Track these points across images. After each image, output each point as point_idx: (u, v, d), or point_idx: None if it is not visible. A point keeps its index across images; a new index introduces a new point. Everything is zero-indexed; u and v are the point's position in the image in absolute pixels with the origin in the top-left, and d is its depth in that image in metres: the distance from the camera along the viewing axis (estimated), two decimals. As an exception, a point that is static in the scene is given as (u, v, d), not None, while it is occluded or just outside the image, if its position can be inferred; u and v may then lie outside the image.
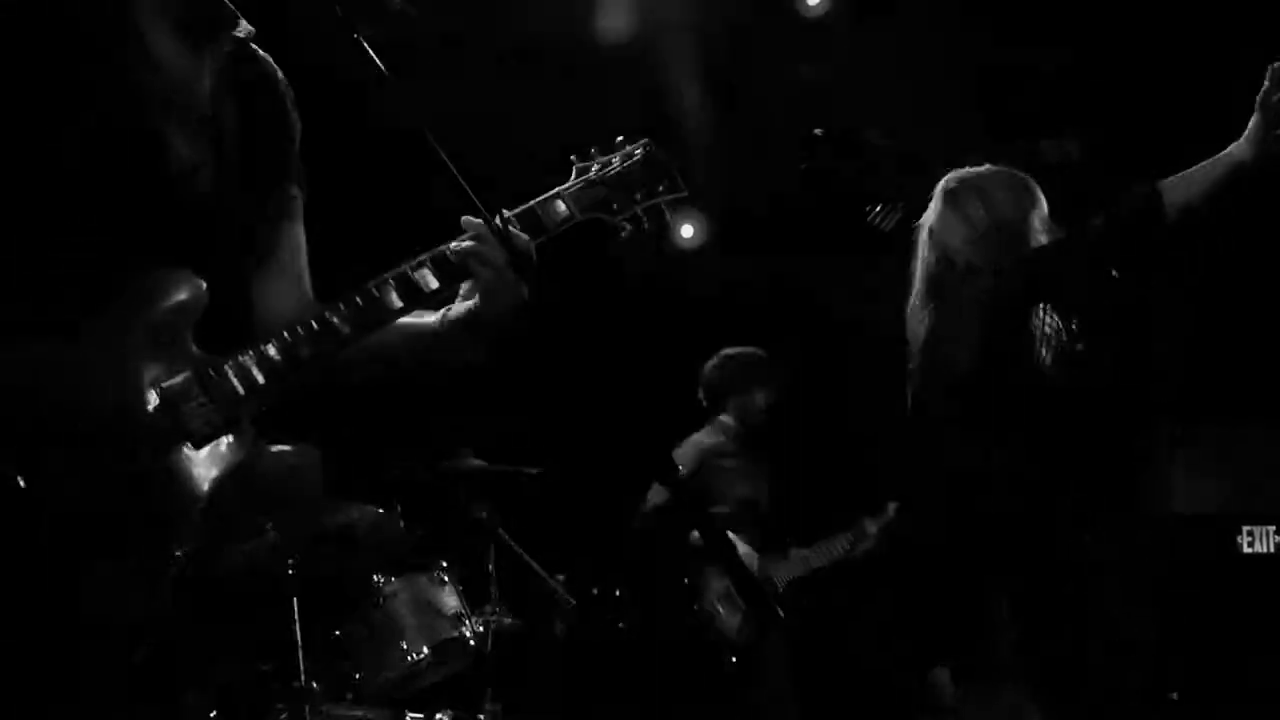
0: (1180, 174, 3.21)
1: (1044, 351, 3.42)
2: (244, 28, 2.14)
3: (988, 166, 3.75)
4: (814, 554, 5.84)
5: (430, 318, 2.18)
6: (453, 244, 2.12)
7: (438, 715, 4.30)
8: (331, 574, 4.68)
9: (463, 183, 2.00)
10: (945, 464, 3.43)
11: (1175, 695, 5.42)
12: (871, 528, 5.86)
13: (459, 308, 2.17)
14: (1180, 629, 5.55)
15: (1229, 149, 3.18)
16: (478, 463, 4.94)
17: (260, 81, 2.20)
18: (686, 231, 7.84)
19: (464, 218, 2.09)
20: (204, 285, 1.93)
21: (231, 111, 2.09)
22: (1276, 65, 3.10)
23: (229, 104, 2.09)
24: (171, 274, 1.91)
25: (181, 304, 1.92)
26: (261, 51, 2.20)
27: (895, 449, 3.74)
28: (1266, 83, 3.13)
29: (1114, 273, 3.38)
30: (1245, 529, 5.61)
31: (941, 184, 3.67)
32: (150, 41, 2.01)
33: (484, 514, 4.90)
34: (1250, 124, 3.16)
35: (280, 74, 2.24)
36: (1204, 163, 3.20)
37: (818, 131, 7.16)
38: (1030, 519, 3.34)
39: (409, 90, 2.04)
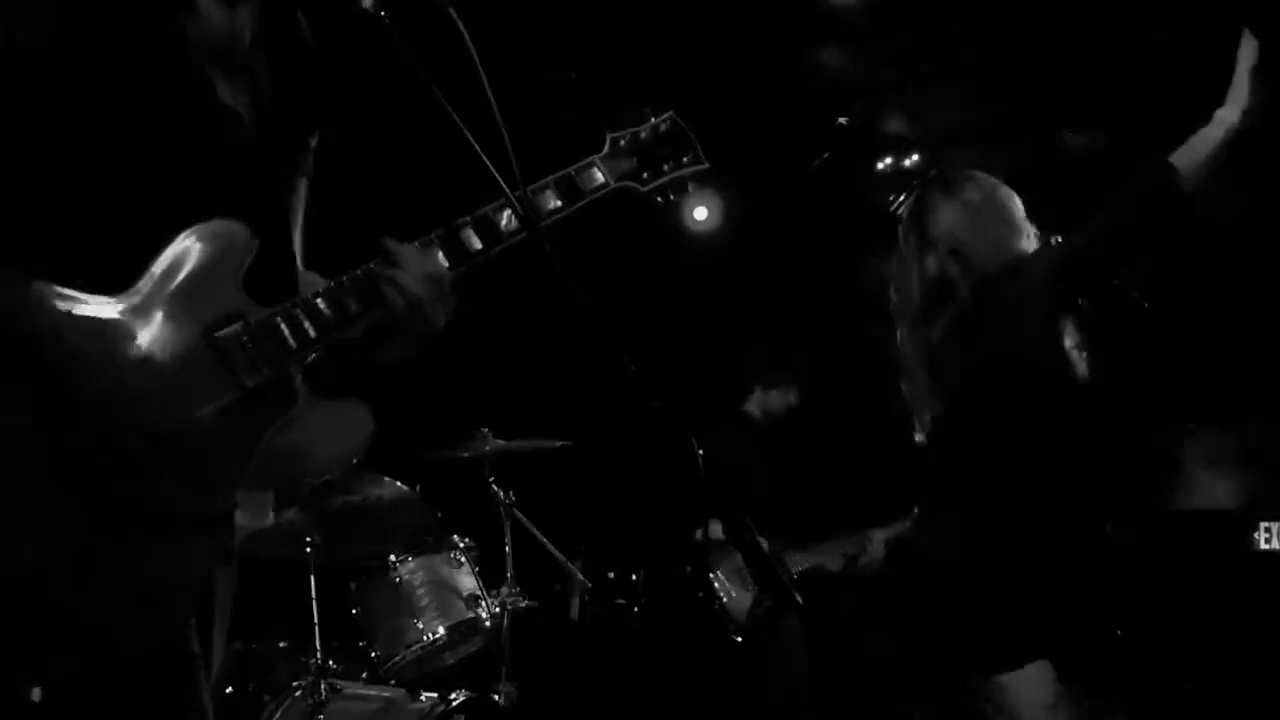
0: (1183, 147, 3.28)
1: (1075, 350, 3.42)
2: None
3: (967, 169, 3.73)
4: (821, 554, 5.80)
5: None
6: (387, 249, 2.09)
7: (453, 695, 4.31)
8: (351, 551, 4.72)
9: (483, 156, 2.01)
10: (972, 465, 3.40)
11: (1190, 689, 5.42)
12: (879, 540, 5.77)
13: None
14: (1195, 624, 5.55)
15: (1218, 114, 3.28)
16: (497, 442, 4.95)
17: (291, 38, 2.20)
18: (700, 214, 7.78)
19: (383, 240, 2.08)
20: (249, 231, 1.92)
21: (264, 65, 2.10)
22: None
23: (262, 57, 2.10)
24: (209, 226, 1.91)
25: (222, 253, 1.91)
26: (293, 10, 2.21)
27: (914, 455, 3.71)
28: (1243, 42, 3.27)
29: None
30: (1262, 525, 5.60)
31: (931, 179, 3.66)
32: None
33: (502, 494, 4.92)
34: (1233, 85, 3.28)
35: (309, 33, 2.24)
36: (1200, 132, 3.28)
37: (842, 120, 7.16)
38: (1056, 518, 3.33)
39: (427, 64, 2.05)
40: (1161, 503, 5.75)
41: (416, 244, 2.11)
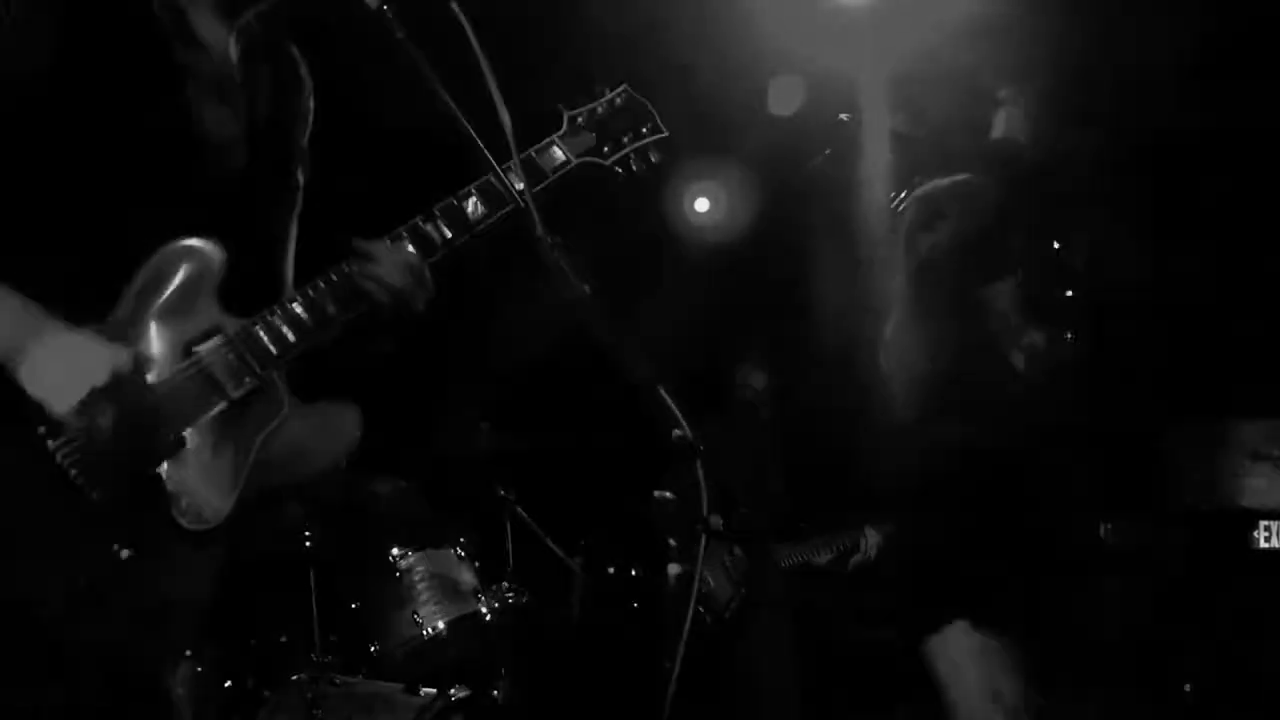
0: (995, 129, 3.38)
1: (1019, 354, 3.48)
2: None
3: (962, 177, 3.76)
4: (812, 549, 5.80)
5: None
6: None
7: (451, 691, 4.33)
8: (350, 546, 4.74)
9: (471, 133, 2.07)
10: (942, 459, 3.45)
11: (1189, 688, 5.43)
12: (873, 538, 5.73)
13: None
14: (1194, 623, 5.56)
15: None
16: (498, 437, 4.98)
17: (285, 59, 2.26)
18: (701, 205, 7.77)
19: (355, 241, 2.14)
20: (217, 249, 1.95)
21: (262, 82, 2.14)
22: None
23: (259, 74, 2.14)
24: (180, 246, 1.93)
25: (196, 272, 1.94)
26: (285, 33, 2.26)
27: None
28: None
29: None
30: (1262, 524, 5.62)
31: (919, 192, 3.70)
32: (190, 18, 2.05)
33: (502, 490, 4.95)
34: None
35: (300, 59, 2.30)
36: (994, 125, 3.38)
37: (844, 117, 7.16)
38: (1045, 512, 3.37)
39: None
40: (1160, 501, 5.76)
41: (386, 240, 2.16)
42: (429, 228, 2.22)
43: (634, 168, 2.49)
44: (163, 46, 1.99)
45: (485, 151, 2.13)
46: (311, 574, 4.42)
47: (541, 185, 2.32)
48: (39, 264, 1.84)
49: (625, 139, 2.46)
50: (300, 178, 2.32)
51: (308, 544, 4.41)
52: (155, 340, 1.89)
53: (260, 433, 1.96)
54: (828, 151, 7.11)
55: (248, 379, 1.96)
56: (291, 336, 2.02)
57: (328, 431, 2.07)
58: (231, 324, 1.98)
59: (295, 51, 2.31)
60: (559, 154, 2.38)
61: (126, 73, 1.93)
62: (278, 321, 2.02)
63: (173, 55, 2.00)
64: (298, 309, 2.04)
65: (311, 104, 2.33)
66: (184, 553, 1.86)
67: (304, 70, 2.32)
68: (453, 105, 2.07)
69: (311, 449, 2.04)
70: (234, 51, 2.12)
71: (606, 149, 2.45)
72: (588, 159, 2.43)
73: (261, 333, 2.00)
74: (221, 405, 1.92)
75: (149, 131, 1.96)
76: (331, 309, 2.08)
